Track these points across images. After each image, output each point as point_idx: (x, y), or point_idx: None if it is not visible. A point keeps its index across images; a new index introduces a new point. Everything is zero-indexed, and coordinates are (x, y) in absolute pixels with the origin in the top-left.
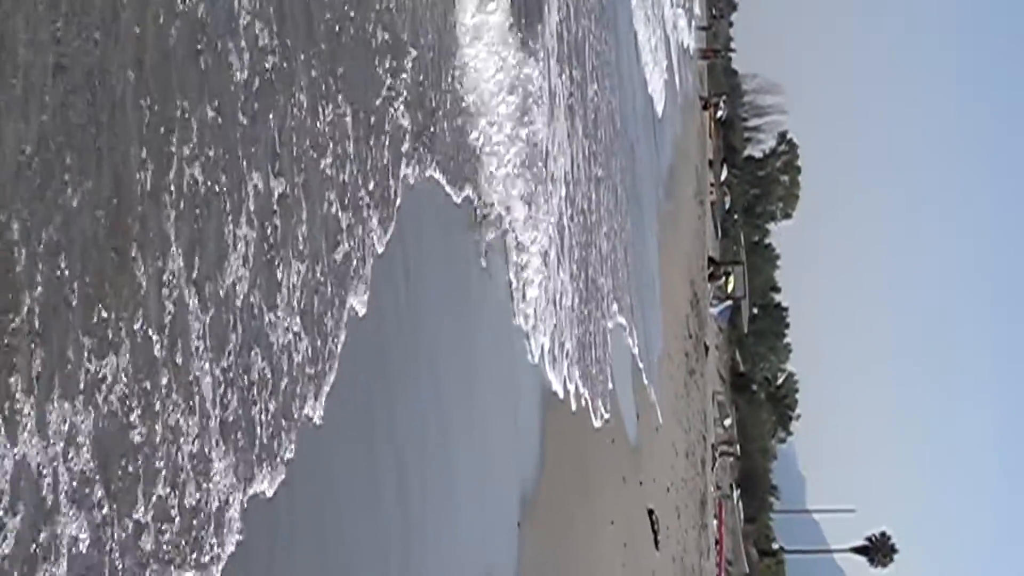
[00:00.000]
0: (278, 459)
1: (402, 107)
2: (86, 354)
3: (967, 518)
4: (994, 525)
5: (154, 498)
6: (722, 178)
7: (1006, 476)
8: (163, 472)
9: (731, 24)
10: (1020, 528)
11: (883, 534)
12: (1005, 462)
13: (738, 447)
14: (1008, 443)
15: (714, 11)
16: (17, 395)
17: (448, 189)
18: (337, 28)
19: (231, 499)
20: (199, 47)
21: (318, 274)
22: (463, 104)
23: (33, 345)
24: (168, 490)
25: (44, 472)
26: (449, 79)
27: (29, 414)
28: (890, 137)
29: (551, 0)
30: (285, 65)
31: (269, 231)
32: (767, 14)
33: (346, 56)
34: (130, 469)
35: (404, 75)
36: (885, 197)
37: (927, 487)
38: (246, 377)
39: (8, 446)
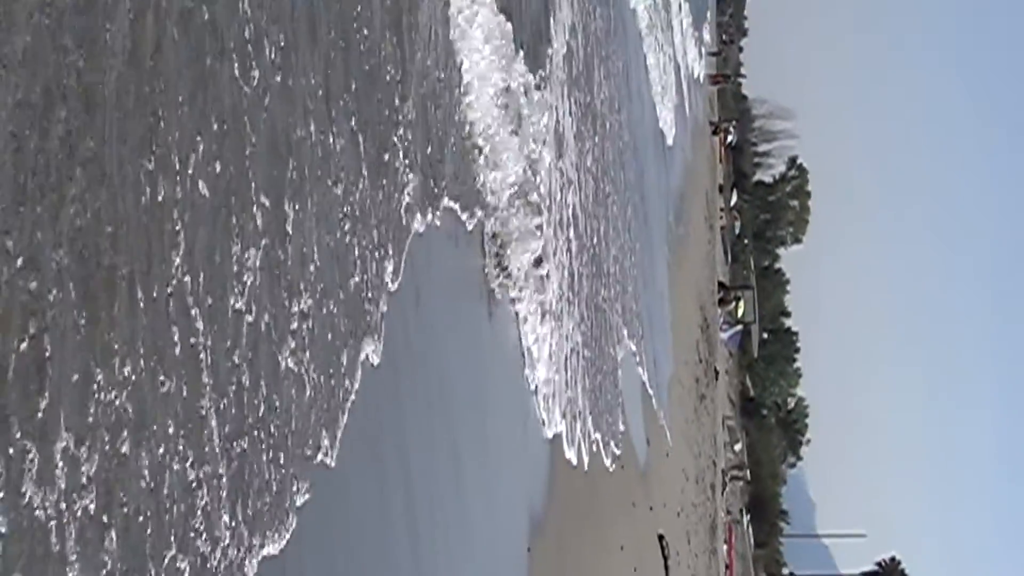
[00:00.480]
0: (288, 504)
1: (409, 142)
2: (87, 392)
3: (977, 543)
4: (1004, 551)
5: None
6: (732, 203)
7: (1017, 502)
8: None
9: (741, 49)
10: None
11: (893, 559)
12: (1015, 488)
13: (748, 472)
14: (1019, 469)
15: (724, 37)
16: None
17: (455, 226)
18: (345, 47)
19: (242, 551)
20: (207, 60)
21: (331, 308)
22: (470, 140)
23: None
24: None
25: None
26: (455, 112)
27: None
28: (901, 162)
29: (557, 26)
30: (293, 90)
31: (279, 264)
32: (777, 40)
33: (357, 80)
34: (137, 517)
35: (411, 110)
36: (895, 222)
37: (938, 512)
38: (255, 418)
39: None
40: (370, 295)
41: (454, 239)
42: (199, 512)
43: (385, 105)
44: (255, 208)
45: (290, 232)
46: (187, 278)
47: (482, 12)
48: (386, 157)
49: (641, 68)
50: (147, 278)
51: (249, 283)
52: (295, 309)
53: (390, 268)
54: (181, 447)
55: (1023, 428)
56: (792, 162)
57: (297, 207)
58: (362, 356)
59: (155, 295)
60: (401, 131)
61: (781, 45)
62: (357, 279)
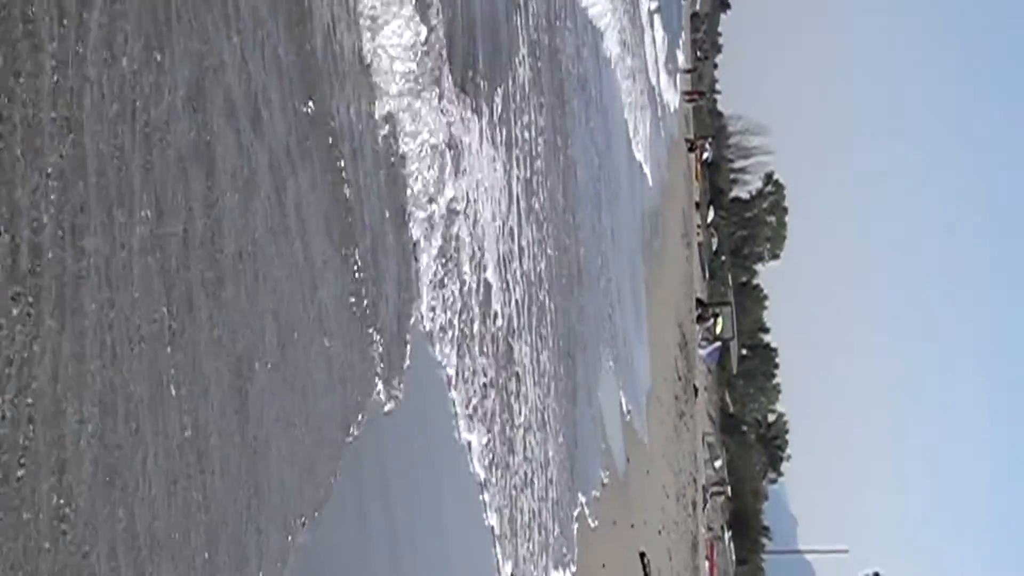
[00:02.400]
0: None
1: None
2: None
3: (959, 558)
4: (985, 566)
5: None
6: (709, 220)
7: (999, 517)
8: None
9: (716, 66)
10: (1011, 569)
11: (876, 574)
12: (997, 503)
13: (729, 488)
14: (1001, 482)
15: (698, 53)
16: None
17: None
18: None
19: None
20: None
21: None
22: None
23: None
24: None
25: None
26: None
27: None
28: (877, 176)
29: (516, 46)
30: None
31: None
32: (752, 56)
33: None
34: None
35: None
36: (872, 236)
37: (920, 527)
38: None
39: None
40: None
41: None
42: None
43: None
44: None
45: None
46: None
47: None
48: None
49: (614, 87)
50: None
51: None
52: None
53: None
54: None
55: (1006, 442)
56: (768, 178)
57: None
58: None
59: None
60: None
61: (755, 61)
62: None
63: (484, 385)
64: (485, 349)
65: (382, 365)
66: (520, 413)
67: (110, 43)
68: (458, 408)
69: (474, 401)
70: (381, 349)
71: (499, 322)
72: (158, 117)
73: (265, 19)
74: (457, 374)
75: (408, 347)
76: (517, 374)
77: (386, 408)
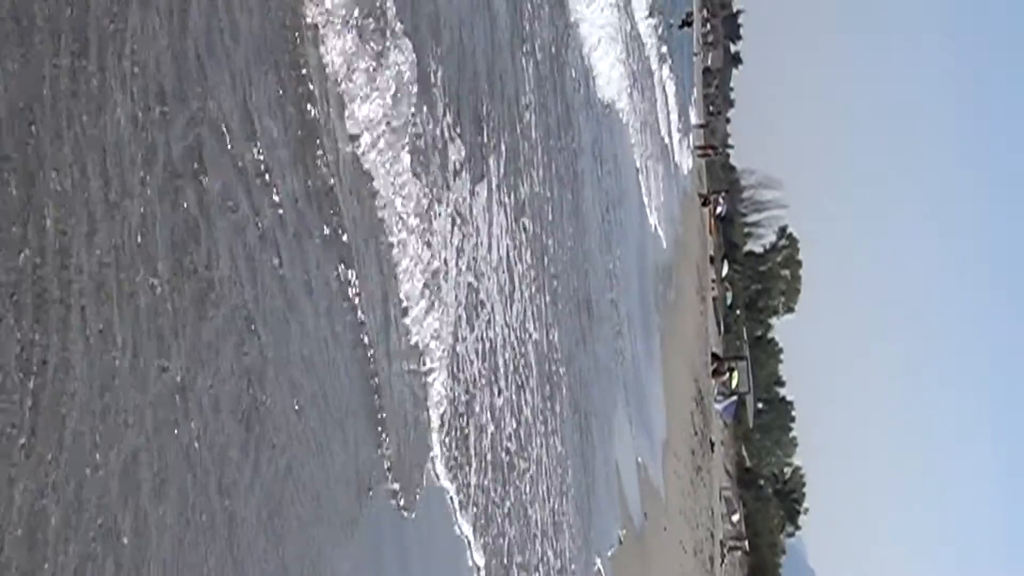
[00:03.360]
0: None
1: None
2: None
3: None
4: None
5: None
6: (723, 274)
7: (1016, 565)
8: None
9: (728, 121)
10: None
11: None
12: (1013, 551)
13: (747, 542)
14: (1017, 531)
15: (711, 108)
16: None
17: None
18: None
19: None
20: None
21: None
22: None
23: None
24: None
25: None
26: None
27: None
28: (890, 227)
29: (525, 102)
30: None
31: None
32: (764, 111)
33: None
34: None
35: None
36: (886, 289)
37: None
38: None
39: None
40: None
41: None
42: None
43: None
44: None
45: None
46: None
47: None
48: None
49: (626, 143)
50: None
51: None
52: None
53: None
54: None
55: (1021, 495)
56: (782, 231)
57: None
58: None
59: None
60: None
61: (768, 116)
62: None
63: (492, 462)
64: (494, 423)
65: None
66: (533, 480)
67: None
68: (455, 497)
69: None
70: (390, 445)
71: (507, 391)
72: None
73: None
74: (461, 455)
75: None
76: (527, 437)
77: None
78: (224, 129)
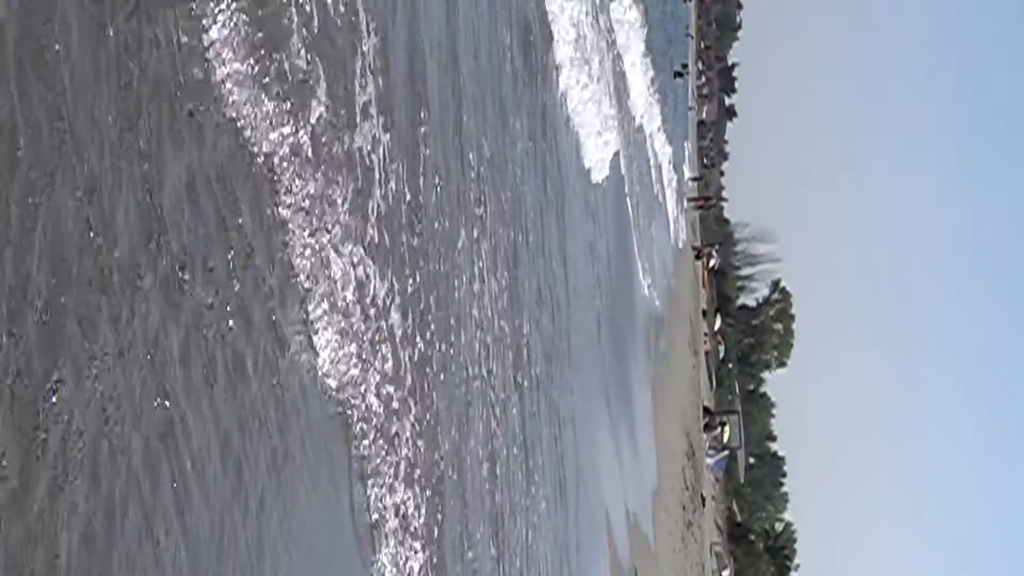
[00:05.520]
0: None
1: None
2: None
3: None
4: None
5: None
6: (716, 327)
7: None
8: None
9: (723, 174)
10: None
11: None
12: None
13: None
14: None
15: (705, 161)
16: None
17: None
18: None
19: None
20: None
21: None
22: None
23: None
24: None
25: None
26: None
27: None
28: (884, 283)
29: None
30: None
31: None
32: (758, 164)
33: None
34: None
35: None
36: (879, 343)
37: None
38: None
39: None
40: None
41: None
42: None
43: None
44: None
45: None
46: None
47: None
48: None
49: (620, 194)
50: None
51: None
52: None
53: None
54: None
55: (1019, 555)
56: (775, 285)
57: None
58: None
59: None
60: None
61: (762, 169)
62: None
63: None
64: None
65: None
66: (520, 532)
67: None
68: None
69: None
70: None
71: (491, 466)
72: None
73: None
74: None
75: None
76: (507, 506)
77: None
78: None
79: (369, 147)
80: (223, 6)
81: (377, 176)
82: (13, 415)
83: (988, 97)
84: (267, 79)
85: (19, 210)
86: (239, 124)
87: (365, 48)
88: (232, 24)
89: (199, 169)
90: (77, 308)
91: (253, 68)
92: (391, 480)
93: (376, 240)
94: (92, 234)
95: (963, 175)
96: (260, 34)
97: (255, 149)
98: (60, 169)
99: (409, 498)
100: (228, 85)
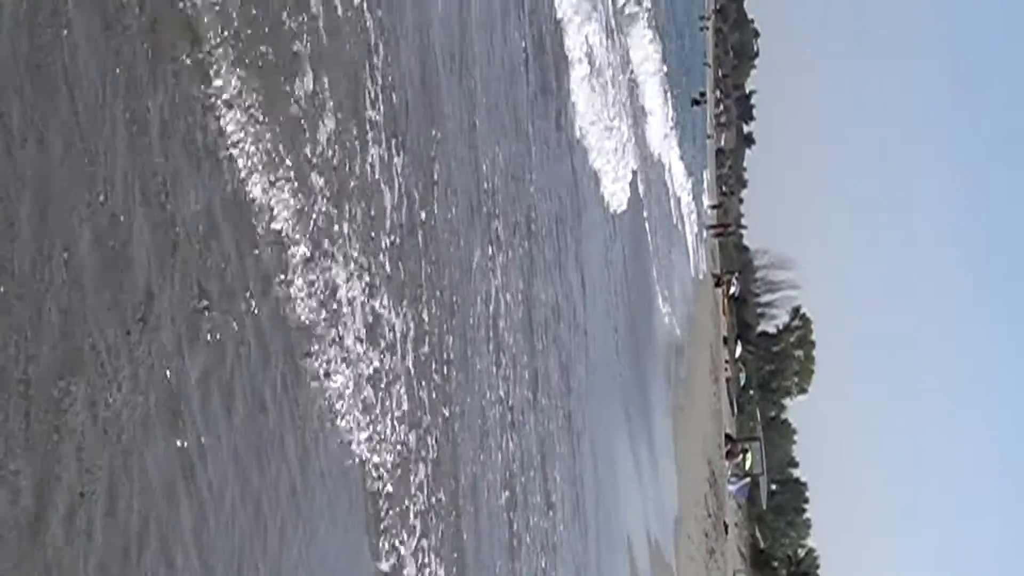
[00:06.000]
0: None
1: None
2: None
3: None
4: None
5: None
6: (736, 355)
7: None
8: None
9: (741, 201)
10: None
11: None
12: None
13: None
14: None
15: (724, 188)
16: None
17: None
18: None
19: None
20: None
21: None
22: None
23: None
24: None
25: None
26: None
27: None
28: (904, 310)
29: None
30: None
31: None
32: (777, 191)
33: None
34: None
35: None
36: (900, 368)
37: None
38: None
39: None
40: None
41: None
42: None
43: None
44: None
45: None
46: None
47: None
48: None
49: (639, 222)
50: None
51: None
52: None
53: None
54: None
55: None
56: (795, 312)
57: None
58: None
59: None
60: None
61: (781, 196)
62: None
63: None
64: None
65: None
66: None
67: None
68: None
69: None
70: None
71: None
72: None
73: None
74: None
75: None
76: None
77: None
78: None
79: (381, 168)
80: (229, 29)
81: (389, 202)
82: (28, 439)
83: (1012, 126)
84: (276, 102)
85: (35, 232)
86: (248, 150)
87: (376, 64)
88: (237, 48)
89: (212, 197)
90: (93, 333)
91: (260, 91)
92: (408, 511)
93: (389, 267)
94: (109, 259)
95: (986, 202)
96: (268, 56)
97: (266, 175)
98: (79, 192)
99: (427, 527)
100: (236, 110)
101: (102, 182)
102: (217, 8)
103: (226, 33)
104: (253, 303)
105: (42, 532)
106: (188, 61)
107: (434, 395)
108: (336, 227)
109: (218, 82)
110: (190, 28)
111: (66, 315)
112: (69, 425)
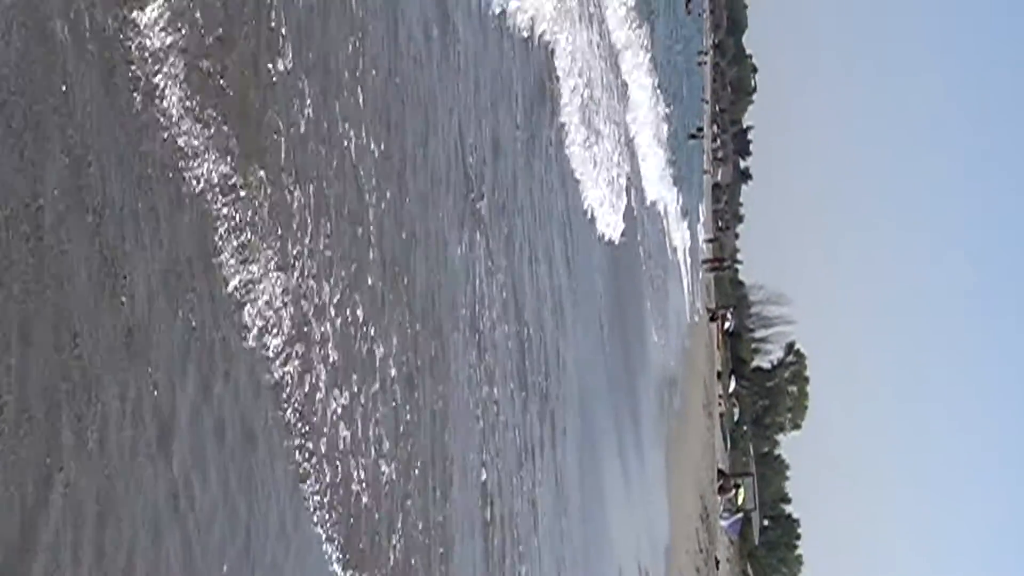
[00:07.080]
0: None
1: None
2: None
3: None
4: None
5: None
6: (730, 390)
7: None
8: None
9: (737, 236)
10: None
11: None
12: None
13: None
14: None
15: (720, 223)
16: None
17: None
18: None
19: None
20: None
21: None
22: None
23: None
24: None
25: None
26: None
27: None
28: (898, 346)
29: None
30: None
31: None
32: (773, 227)
33: None
34: None
35: None
36: (894, 405)
37: None
38: None
39: None
40: None
41: None
42: None
43: None
44: None
45: None
46: None
47: None
48: None
49: (634, 255)
50: None
51: None
52: None
53: None
54: None
55: None
56: (790, 348)
57: None
58: None
59: None
60: None
61: (777, 232)
62: None
63: None
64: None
65: None
66: None
67: None
68: None
69: None
70: None
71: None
72: None
73: None
74: None
75: None
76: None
77: None
78: None
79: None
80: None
81: (377, 255)
82: (17, 473)
83: (1011, 160)
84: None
85: (34, 271)
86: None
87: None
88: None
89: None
90: (84, 373)
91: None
92: (399, 546)
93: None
94: (105, 299)
95: (979, 236)
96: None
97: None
98: (78, 237)
99: (417, 562)
100: (222, 181)
101: None
102: None
103: None
104: None
105: (30, 560)
106: None
107: (428, 432)
108: (334, 259)
109: None
110: None
111: None
112: (59, 457)
